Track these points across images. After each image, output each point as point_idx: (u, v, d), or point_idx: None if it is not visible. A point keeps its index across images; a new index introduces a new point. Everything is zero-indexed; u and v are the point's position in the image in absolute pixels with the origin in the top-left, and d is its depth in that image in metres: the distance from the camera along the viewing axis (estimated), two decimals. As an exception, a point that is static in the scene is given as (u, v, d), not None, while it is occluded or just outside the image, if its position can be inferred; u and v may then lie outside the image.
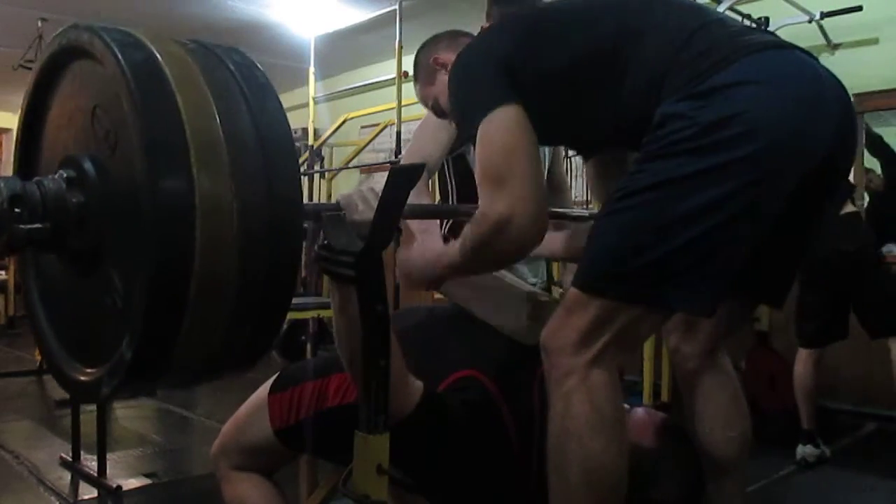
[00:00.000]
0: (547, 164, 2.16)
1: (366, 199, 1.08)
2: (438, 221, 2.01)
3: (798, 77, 1.11)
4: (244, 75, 0.85)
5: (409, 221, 1.85)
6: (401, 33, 4.78)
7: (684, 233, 1.05)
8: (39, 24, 5.19)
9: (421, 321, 1.58)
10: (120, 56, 0.78)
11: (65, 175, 0.85)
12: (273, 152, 0.82)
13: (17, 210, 0.80)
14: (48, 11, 5.07)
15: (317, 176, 6.45)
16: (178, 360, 0.82)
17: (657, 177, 1.08)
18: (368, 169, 6.40)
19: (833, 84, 1.16)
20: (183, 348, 0.80)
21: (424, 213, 1.71)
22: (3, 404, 4.12)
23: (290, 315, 4.03)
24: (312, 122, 5.91)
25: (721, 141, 1.05)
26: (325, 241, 1.03)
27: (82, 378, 0.89)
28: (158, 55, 0.80)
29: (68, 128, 0.91)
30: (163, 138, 0.75)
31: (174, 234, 0.74)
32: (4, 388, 4.44)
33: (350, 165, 6.38)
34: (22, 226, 0.81)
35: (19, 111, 1.01)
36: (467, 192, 2.05)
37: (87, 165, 0.84)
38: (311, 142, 6.05)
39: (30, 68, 5.67)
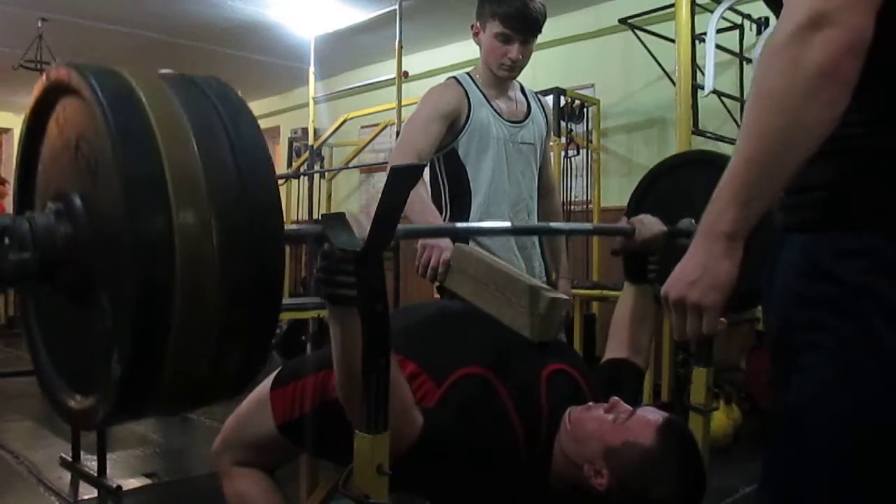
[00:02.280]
0: (538, 165, 2.15)
1: (358, 222, 1.07)
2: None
3: None
4: (223, 102, 0.87)
5: (410, 214, 1.85)
6: (401, 33, 4.79)
7: None
8: (39, 24, 5.19)
9: (431, 315, 1.57)
10: (98, 90, 0.80)
11: (53, 208, 0.88)
12: (252, 179, 0.84)
13: (6, 241, 0.83)
14: (48, 11, 5.07)
15: (317, 176, 6.45)
16: (165, 386, 0.84)
17: None
18: (368, 169, 6.41)
19: None
20: (170, 373, 0.83)
21: (419, 232, 1.69)
22: (3, 404, 4.12)
23: (291, 315, 4.04)
24: (312, 122, 5.92)
25: None
26: (323, 263, 1.03)
27: (75, 406, 0.92)
28: (137, 88, 0.82)
29: (59, 163, 0.94)
30: (141, 171, 0.78)
31: (154, 264, 0.77)
32: (4, 388, 4.44)
33: (350, 165, 6.39)
34: (11, 256, 0.83)
35: (20, 126, 1.04)
36: (459, 189, 2.05)
37: (75, 198, 0.87)
38: (311, 142, 6.05)
39: (30, 68, 5.70)
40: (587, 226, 2.01)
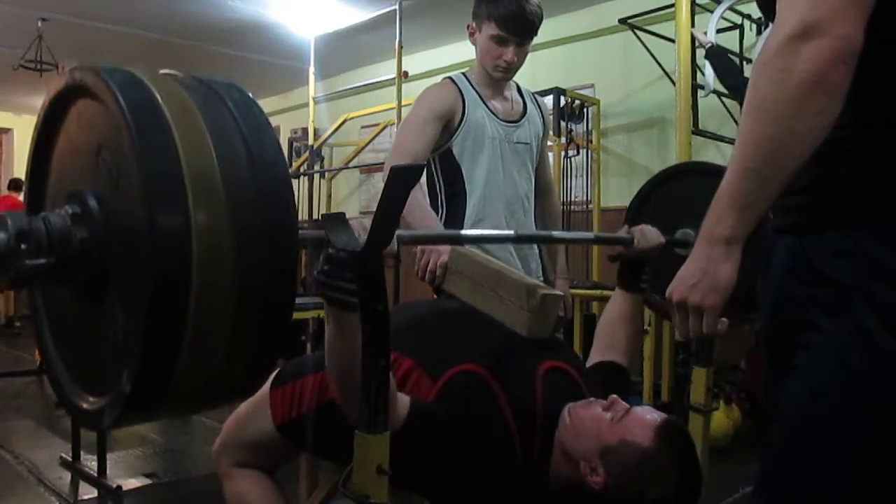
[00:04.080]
0: (534, 165, 2.15)
1: (365, 229, 1.07)
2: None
3: None
4: (241, 112, 0.88)
5: (411, 220, 1.86)
6: (401, 33, 4.79)
7: None
8: (39, 24, 5.19)
9: (422, 314, 1.58)
10: (120, 96, 0.81)
11: (70, 211, 0.88)
12: (268, 187, 0.85)
13: (23, 246, 0.84)
14: (48, 11, 5.07)
15: (317, 176, 6.46)
16: (177, 392, 0.85)
17: None
18: (368, 169, 6.41)
19: None
20: (182, 380, 0.83)
21: (423, 239, 1.71)
22: (3, 404, 4.12)
23: (290, 315, 4.06)
24: (312, 122, 5.92)
25: None
26: (325, 267, 1.03)
27: (86, 406, 0.92)
28: (158, 95, 0.83)
29: (74, 164, 0.95)
30: (160, 175, 0.79)
31: (171, 269, 0.78)
32: (4, 388, 4.44)
33: (350, 165, 6.39)
34: (28, 261, 0.84)
35: (30, 140, 1.04)
36: (455, 189, 2.05)
37: (91, 201, 0.87)
38: (311, 142, 6.06)
39: (30, 68, 5.71)
40: (588, 235, 2.03)
